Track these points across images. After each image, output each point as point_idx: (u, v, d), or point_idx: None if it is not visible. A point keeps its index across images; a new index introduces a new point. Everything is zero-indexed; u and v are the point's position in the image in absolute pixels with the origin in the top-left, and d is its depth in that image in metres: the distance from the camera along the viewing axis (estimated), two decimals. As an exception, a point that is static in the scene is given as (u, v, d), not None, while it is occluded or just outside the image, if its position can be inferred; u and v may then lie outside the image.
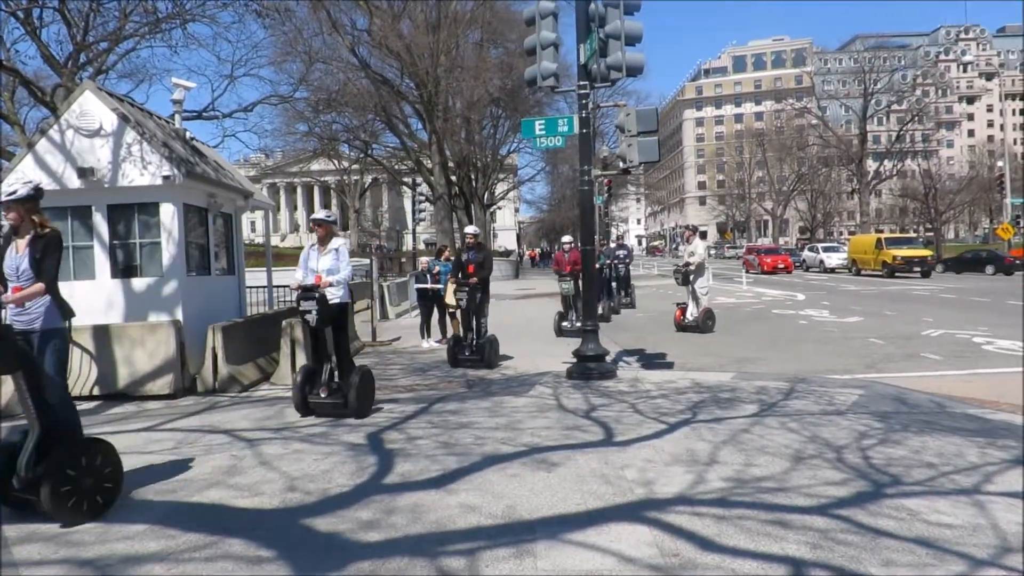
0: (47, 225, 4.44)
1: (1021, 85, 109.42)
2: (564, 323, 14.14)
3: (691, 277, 14.05)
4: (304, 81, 31.88)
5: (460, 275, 10.27)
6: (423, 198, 41.55)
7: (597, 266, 14.81)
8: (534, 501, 4.37)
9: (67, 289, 9.09)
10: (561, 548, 3.65)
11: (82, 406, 8.04)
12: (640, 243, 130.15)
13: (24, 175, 9.16)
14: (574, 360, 9.22)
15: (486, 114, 45.08)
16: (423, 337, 13.10)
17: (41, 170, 9.19)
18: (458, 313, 10.68)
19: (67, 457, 4.12)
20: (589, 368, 8.90)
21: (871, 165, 64.39)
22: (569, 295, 13.97)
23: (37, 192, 4.45)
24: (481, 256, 10.34)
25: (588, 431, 6.18)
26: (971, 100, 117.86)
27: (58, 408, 4.28)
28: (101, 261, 9.38)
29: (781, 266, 39.32)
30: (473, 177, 47.96)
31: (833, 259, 40.15)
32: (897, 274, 32.43)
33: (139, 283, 9.40)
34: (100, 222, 9.35)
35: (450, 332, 11.76)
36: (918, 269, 32.24)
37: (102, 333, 8.61)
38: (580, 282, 13.76)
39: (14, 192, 4.33)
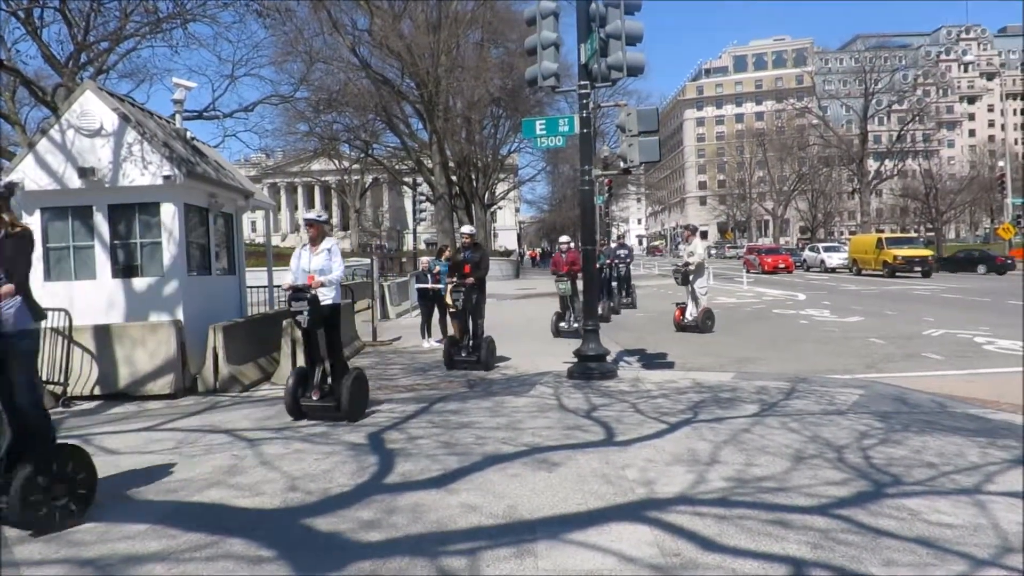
0: (17, 224, 4.22)
1: (1022, 85, 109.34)
2: (561, 324, 14.06)
3: (691, 277, 14.04)
4: (305, 81, 31.90)
5: (456, 275, 10.18)
6: (424, 198, 41.55)
7: (597, 266, 14.77)
8: (535, 501, 4.37)
9: (68, 289, 9.19)
10: (562, 548, 3.65)
11: (83, 406, 8.08)
12: (641, 243, 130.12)
13: (24, 174, 9.18)
14: (575, 360, 9.22)
15: (487, 114, 45.09)
16: (423, 337, 13.10)
17: (42, 170, 9.21)
18: (453, 314, 10.61)
19: (38, 464, 3.97)
20: (590, 368, 8.90)
21: (872, 165, 64.38)
22: (566, 295, 13.89)
23: (7, 190, 4.25)
24: (477, 256, 10.22)
25: (589, 431, 6.18)
26: (972, 100, 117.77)
27: (29, 413, 4.11)
28: (102, 261, 9.38)
29: (782, 266, 39.31)
30: (474, 177, 47.97)
31: (834, 259, 40.14)
32: (898, 274, 32.41)
33: (140, 283, 9.40)
34: (101, 222, 9.35)
35: (451, 332, 11.74)
36: (919, 269, 32.22)
37: (103, 333, 8.62)
38: (577, 282, 13.81)
39: None
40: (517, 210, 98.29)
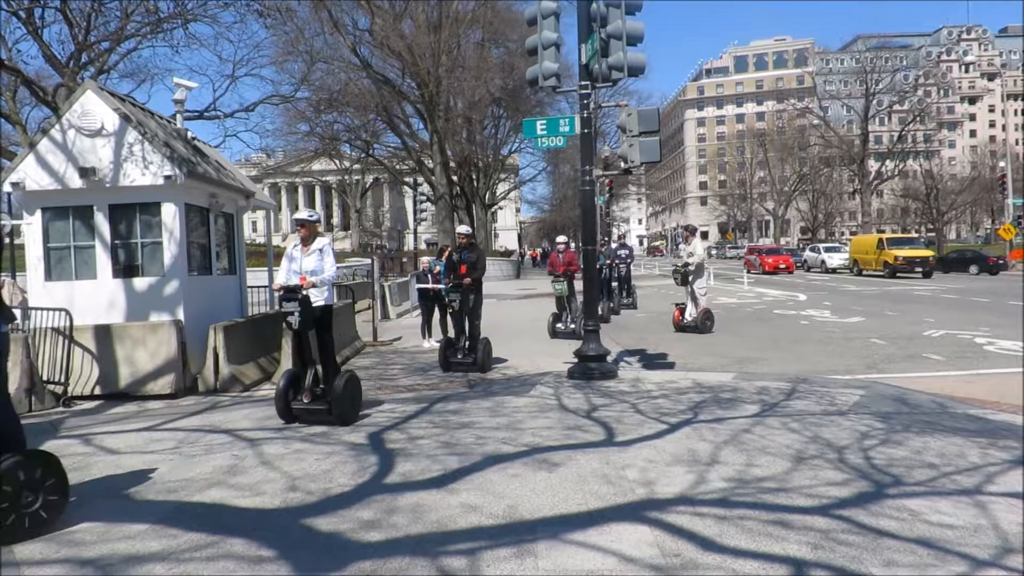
0: None
1: (1022, 85, 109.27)
2: (558, 325, 13.91)
3: (690, 278, 14.03)
4: (305, 81, 31.94)
5: (452, 276, 10.05)
6: (424, 198, 41.55)
7: (596, 266, 14.72)
8: (535, 501, 4.37)
9: (68, 289, 9.20)
10: (562, 548, 3.65)
11: (83, 406, 8.09)
12: (641, 243, 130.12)
13: (25, 174, 9.19)
14: (575, 360, 9.22)
15: (487, 114, 45.11)
16: (424, 337, 13.10)
17: (43, 170, 9.21)
18: (449, 315, 10.47)
19: (5, 472, 3.84)
20: (590, 368, 8.90)
21: (873, 165, 64.34)
22: (563, 296, 13.76)
23: None
24: (474, 256, 10.06)
25: (589, 431, 6.18)
26: (973, 100, 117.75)
27: None
28: (103, 261, 9.39)
29: (782, 266, 39.30)
30: (474, 177, 48.01)
31: (834, 259, 40.13)
32: (899, 274, 32.41)
33: (140, 283, 9.41)
34: (102, 222, 9.36)
35: (451, 332, 11.71)
36: (919, 269, 32.22)
37: (103, 333, 8.63)
38: (574, 283, 13.76)
39: None
40: (518, 210, 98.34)
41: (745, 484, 4.62)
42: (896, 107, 67.12)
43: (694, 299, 14.13)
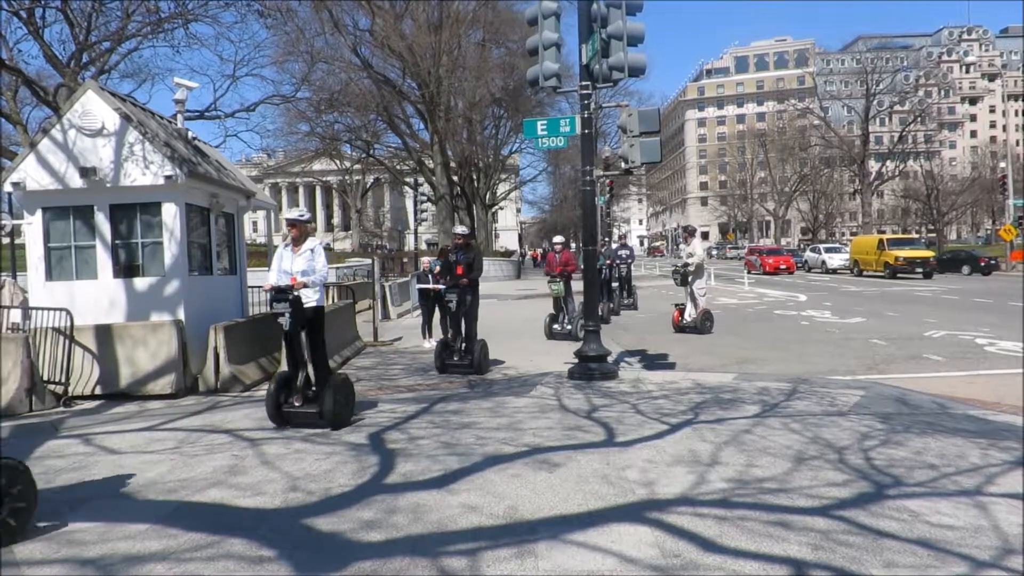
0: None
1: (1023, 86, 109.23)
2: (555, 326, 13.77)
3: (690, 278, 14.02)
4: (306, 81, 31.97)
5: (449, 276, 9.96)
6: (425, 198, 41.59)
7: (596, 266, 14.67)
8: (536, 501, 4.37)
9: (69, 289, 9.20)
10: (562, 548, 3.65)
11: (84, 405, 8.09)
12: (642, 243, 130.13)
13: (26, 174, 9.19)
14: (575, 360, 9.21)
15: (488, 114, 45.16)
16: (425, 337, 13.10)
17: (43, 170, 9.22)
18: (447, 315, 10.29)
19: None
20: (591, 368, 8.89)
21: (873, 166, 64.33)
22: (559, 296, 13.65)
23: None
24: (470, 256, 9.93)
25: (590, 431, 6.18)
26: (973, 101, 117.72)
27: None
28: (103, 261, 9.39)
29: (783, 267, 39.28)
30: (475, 177, 48.02)
31: (835, 260, 40.14)
32: (899, 275, 32.41)
33: (141, 283, 9.41)
34: (102, 222, 9.36)
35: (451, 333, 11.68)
36: (920, 270, 32.22)
37: (104, 333, 8.63)
38: (571, 283, 13.72)
39: None
40: (518, 210, 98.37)
41: (745, 485, 4.62)
42: (897, 107, 67.09)
43: (693, 300, 14.12)
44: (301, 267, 6.59)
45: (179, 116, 11.03)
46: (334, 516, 4.20)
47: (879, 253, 33.93)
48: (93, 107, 9.27)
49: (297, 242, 6.73)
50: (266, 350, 10.12)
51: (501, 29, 38.62)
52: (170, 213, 9.34)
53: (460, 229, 10.59)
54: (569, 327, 13.43)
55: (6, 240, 13.30)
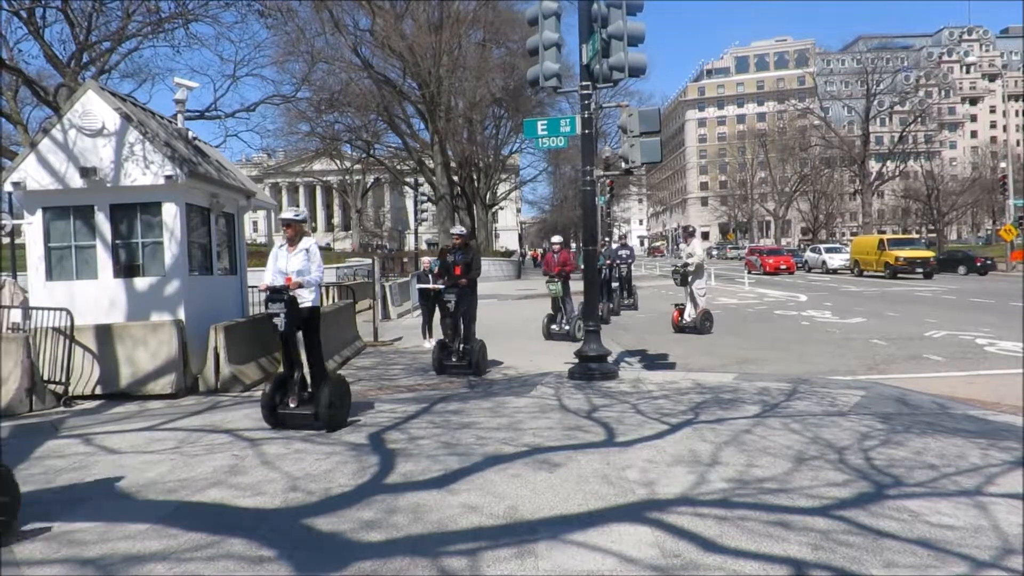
0: None
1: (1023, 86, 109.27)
2: (553, 326, 13.72)
3: (689, 278, 14.02)
4: (306, 81, 31.97)
5: (447, 277, 9.87)
6: (425, 198, 41.59)
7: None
8: (536, 501, 4.37)
9: (69, 289, 9.20)
10: (563, 548, 3.65)
11: (84, 405, 8.09)
12: (642, 243, 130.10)
13: (26, 174, 9.20)
14: (575, 360, 9.21)
15: (488, 114, 45.17)
16: (425, 337, 13.11)
17: (44, 169, 9.22)
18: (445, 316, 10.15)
19: None
20: (591, 368, 8.89)
21: (873, 166, 64.32)
22: (557, 296, 13.59)
23: None
24: (468, 257, 9.84)
25: (590, 431, 6.18)
26: (974, 101, 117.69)
27: None
28: (104, 261, 9.39)
29: (783, 267, 39.28)
30: (475, 177, 48.03)
31: (835, 260, 40.14)
32: (899, 275, 32.41)
33: (141, 283, 9.41)
34: (103, 222, 9.36)
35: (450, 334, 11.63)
36: (920, 270, 32.22)
37: (104, 333, 8.63)
38: (569, 283, 13.69)
39: None
40: (518, 210, 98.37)
41: (746, 485, 4.62)
42: (897, 108, 67.09)
43: (693, 300, 14.12)
44: (296, 267, 6.51)
45: (179, 116, 11.03)
46: (334, 516, 4.20)
47: (879, 253, 33.93)
48: (93, 107, 9.27)
49: (293, 242, 6.65)
50: (266, 350, 10.12)
51: (501, 29, 38.64)
52: (170, 213, 9.34)
53: (457, 229, 10.51)
54: (567, 327, 13.40)
55: (6, 240, 13.31)
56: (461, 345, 9.74)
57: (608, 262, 18.55)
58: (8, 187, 9.26)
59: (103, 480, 5.07)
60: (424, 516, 4.15)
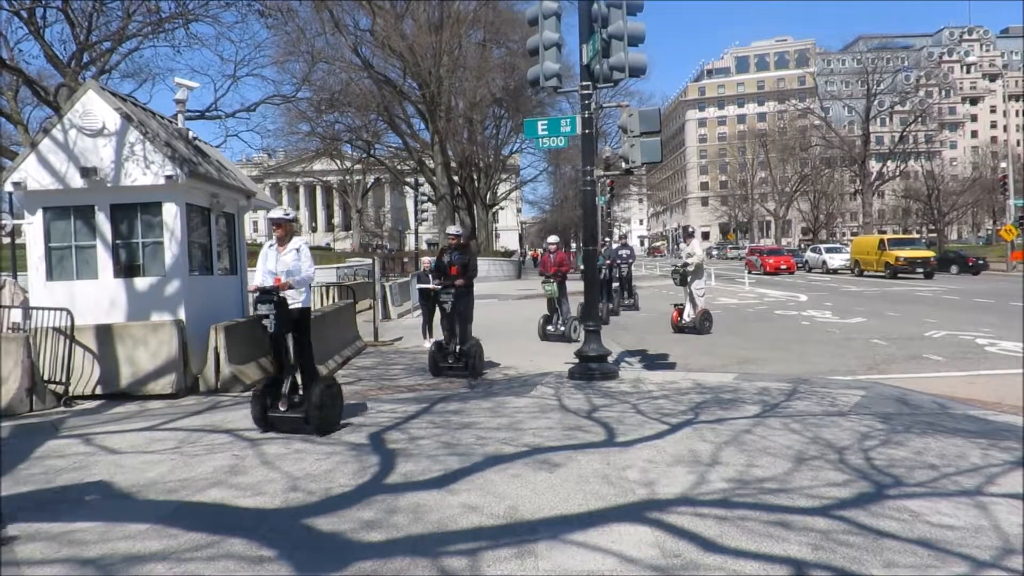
0: None
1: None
2: (548, 327, 13.63)
3: (689, 278, 14.02)
4: (307, 81, 31.98)
5: (443, 277, 9.78)
6: (425, 198, 41.60)
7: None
8: (536, 501, 4.37)
9: (70, 289, 9.20)
10: (563, 548, 3.65)
11: (84, 405, 8.09)
12: (642, 243, 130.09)
13: (27, 174, 9.20)
14: (575, 360, 9.21)
15: (488, 114, 45.18)
16: (425, 337, 13.10)
17: (44, 169, 9.22)
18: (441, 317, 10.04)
19: None
20: (591, 368, 8.89)
21: (874, 166, 64.31)
22: (553, 296, 13.53)
23: None
24: (465, 257, 9.76)
25: (590, 431, 6.18)
26: (974, 101, 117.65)
27: None
28: (104, 260, 9.39)
29: (783, 267, 39.28)
30: (475, 177, 48.04)
31: (836, 260, 40.14)
32: (900, 275, 32.40)
33: (142, 283, 9.41)
34: (103, 222, 9.36)
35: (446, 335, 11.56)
36: (921, 270, 32.22)
37: (104, 332, 8.63)
38: (565, 284, 13.65)
39: None
40: (519, 210, 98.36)
41: (746, 485, 4.62)
42: (897, 108, 67.09)
43: (692, 300, 14.12)
44: (286, 267, 6.38)
45: (180, 116, 11.03)
46: (334, 516, 4.20)
47: (880, 253, 33.94)
48: (94, 107, 9.27)
49: (282, 242, 6.52)
50: (267, 350, 10.11)
51: (502, 29, 38.64)
52: (171, 213, 9.33)
53: (453, 229, 10.40)
54: (563, 328, 13.34)
55: (6, 240, 13.32)
56: (457, 347, 9.63)
57: (608, 262, 18.51)
58: (8, 187, 9.26)
59: (103, 480, 5.07)
60: (424, 516, 4.15)
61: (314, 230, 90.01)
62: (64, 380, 8.20)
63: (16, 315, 9.47)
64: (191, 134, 10.88)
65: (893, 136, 66.87)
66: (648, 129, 9.04)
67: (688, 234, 14.99)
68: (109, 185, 9.24)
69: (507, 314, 19.17)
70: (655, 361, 11.03)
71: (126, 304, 9.34)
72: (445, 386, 8.85)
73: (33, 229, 9.39)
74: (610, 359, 9.49)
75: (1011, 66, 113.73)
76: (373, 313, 15.18)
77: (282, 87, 33.31)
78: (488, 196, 52.83)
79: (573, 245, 57.64)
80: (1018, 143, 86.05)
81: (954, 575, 3.27)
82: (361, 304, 18.03)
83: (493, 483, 4.75)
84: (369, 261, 27.53)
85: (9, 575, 3.50)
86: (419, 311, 14.89)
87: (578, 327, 13.11)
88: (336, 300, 17.41)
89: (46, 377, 8.20)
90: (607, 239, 24.55)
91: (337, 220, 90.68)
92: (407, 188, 57.15)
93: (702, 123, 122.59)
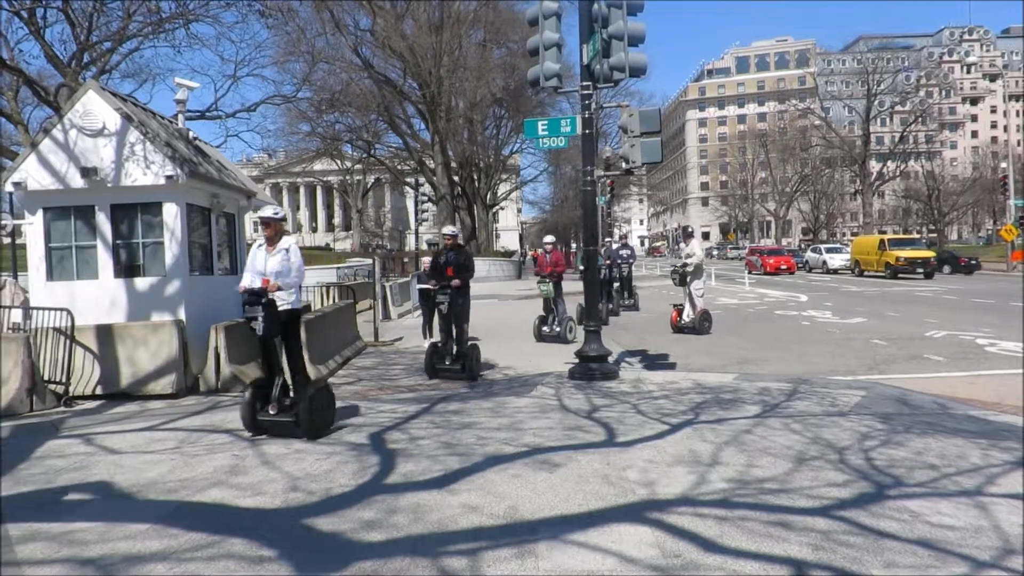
0: None
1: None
2: (544, 328, 13.50)
3: (688, 278, 14.01)
4: (307, 81, 31.97)
5: (439, 278, 9.65)
6: (426, 198, 41.58)
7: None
8: (536, 501, 4.37)
9: (70, 289, 9.21)
10: (563, 548, 3.65)
11: (84, 405, 8.10)
12: (642, 244, 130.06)
13: (27, 174, 9.20)
14: (575, 361, 9.21)
15: (489, 114, 45.18)
16: (425, 337, 13.08)
17: (44, 169, 9.22)
18: (438, 318, 9.97)
19: None
20: (591, 368, 8.89)
21: (874, 166, 64.31)
22: (549, 297, 13.42)
23: None
24: (461, 258, 9.67)
25: (590, 431, 6.18)
26: (975, 101, 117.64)
27: None
28: (104, 261, 9.39)
29: (784, 267, 39.26)
30: (476, 177, 48.04)
31: (836, 260, 40.12)
32: (900, 275, 32.40)
33: (142, 283, 9.41)
34: (103, 222, 9.36)
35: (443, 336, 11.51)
36: (921, 270, 32.21)
37: (105, 333, 8.63)
38: (561, 284, 13.61)
39: None
40: (519, 211, 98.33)
41: (746, 485, 4.62)
42: (898, 108, 67.10)
43: (692, 300, 14.11)
44: (275, 268, 6.21)
45: (180, 116, 11.04)
46: (334, 516, 4.20)
47: (880, 253, 33.92)
48: (94, 107, 9.28)
49: (272, 241, 6.35)
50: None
51: (502, 29, 38.64)
52: (171, 213, 9.34)
53: (449, 229, 10.29)
54: (558, 329, 13.28)
55: (7, 240, 13.32)
56: (454, 348, 9.52)
57: (608, 262, 18.47)
58: (9, 187, 9.26)
59: (103, 480, 5.07)
60: (424, 516, 4.16)
61: (314, 230, 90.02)
62: (64, 380, 8.20)
63: (16, 315, 9.47)
64: (191, 134, 10.88)
65: (893, 136, 66.91)
66: (648, 129, 9.04)
67: (687, 234, 14.98)
68: (109, 185, 9.24)
69: (507, 314, 19.17)
70: (655, 361, 11.03)
71: (126, 304, 9.34)
72: (445, 386, 8.85)
73: (33, 229, 9.39)
74: (610, 359, 9.49)
75: (1011, 66, 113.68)
76: (373, 313, 15.17)
77: (282, 87, 33.42)
78: (488, 196, 52.84)
79: (573, 245, 57.63)
80: (1018, 143, 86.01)
81: (954, 575, 3.27)
82: (361, 304, 18.03)
83: (493, 483, 4.75)
84: (369, 261, 27.53)
85: (9, 575, 3.50)
86: (419, 311, 14.88)
87: (574, 328, 13.09)
88: (336, 300, 17.41)
89: (46, 377, 8.20)
90: (607, 239, 24.55)
91: (337, 220, 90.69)
92: (407, 188, 57.11)
93: (702, 123, 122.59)
